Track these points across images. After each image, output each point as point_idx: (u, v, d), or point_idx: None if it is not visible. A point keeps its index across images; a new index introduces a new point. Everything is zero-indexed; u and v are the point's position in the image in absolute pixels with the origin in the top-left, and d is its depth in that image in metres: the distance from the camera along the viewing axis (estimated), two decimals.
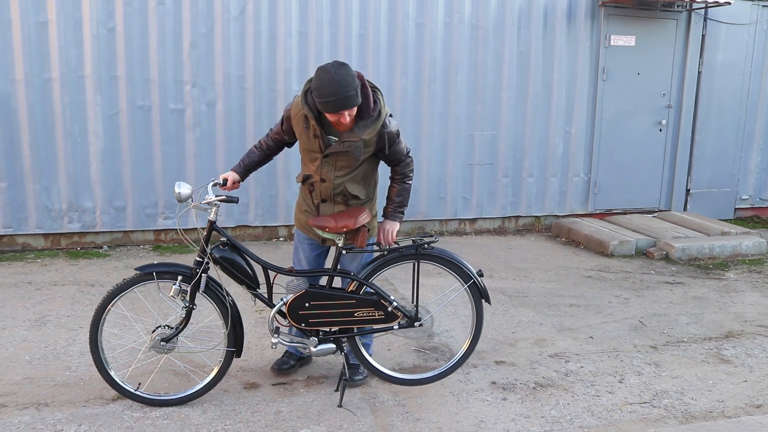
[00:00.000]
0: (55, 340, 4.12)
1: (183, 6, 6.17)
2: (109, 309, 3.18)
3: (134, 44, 6.15)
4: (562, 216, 7.57)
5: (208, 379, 3.32)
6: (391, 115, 3.29)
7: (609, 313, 4.85)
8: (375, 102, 3.20)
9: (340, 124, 3.12)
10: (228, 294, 3.30)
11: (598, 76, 7.38)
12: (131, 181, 6.34)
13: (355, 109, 3.10)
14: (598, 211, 7.71)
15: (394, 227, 3.45)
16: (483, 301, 3.50)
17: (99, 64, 6.11)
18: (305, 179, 3.39)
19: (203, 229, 3.23)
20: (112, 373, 3.25)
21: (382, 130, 3.21)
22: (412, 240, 3.40)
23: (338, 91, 2.95)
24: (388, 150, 3.28)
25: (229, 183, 3.41)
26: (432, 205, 7.07)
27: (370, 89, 3.18)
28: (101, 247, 6.41)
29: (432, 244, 3.41)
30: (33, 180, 6.16)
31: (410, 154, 3.44)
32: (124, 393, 3.27)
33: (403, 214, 3.50)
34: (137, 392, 3.26)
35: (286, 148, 3.54)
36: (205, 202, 3.14)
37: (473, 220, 7.27)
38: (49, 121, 6.10)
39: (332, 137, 3.23)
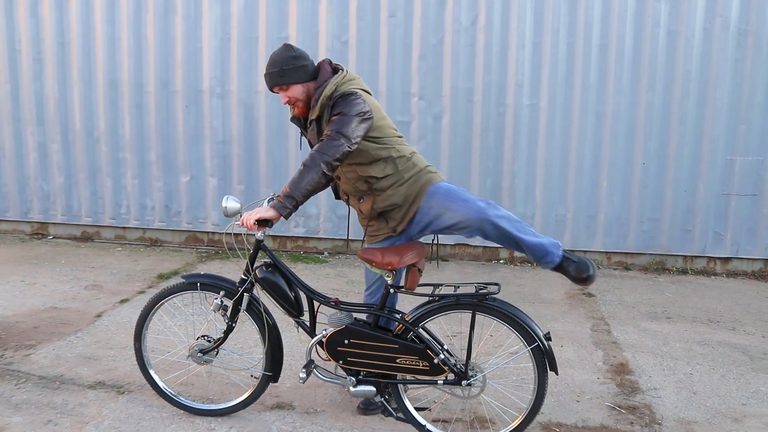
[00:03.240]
0: (244, 339, 4.65)
1: (414, 18, 6.62)
2: (155, 311, 3.51)
3: (365, 56, 6.74)
4: None
5: (239, 400, 3.54)
6: (357, 94, 3.14)
7: None
8: (328, 80, 3.22)
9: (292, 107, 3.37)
10: (269, 315, 3.41)
11: None
12: None
13: (293, 90, 3.25)
14: None
15: (262, 213, 3.00)
16: (549, 370, 3.17)
17: None
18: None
19: (250, 246, 3.41)
20: (152, 372, 3.63)
21: (330, 99, 3.18)
22: (475, 287, 3.16)
23: (267, 66, 3.30)
24: (329, 117, 3.16)
25: None
26: (675, 238, 6.72)
27: (330, 69, 3.27)
28: (322, 253, 7.17)
29: (495, 295, 3.17)
30: (267, 184, 7.10)
31: (344, 137, 3.04)
32: (161, 395, 3.64)
33: (287, 205, 3.01)
34: (176, 397, 3.63)
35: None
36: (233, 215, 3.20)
37: (726, 260, 6.77)
38: (283, 131, 6.97)
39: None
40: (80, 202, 7.57)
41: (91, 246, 7.47)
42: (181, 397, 3.70)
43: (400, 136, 3.37)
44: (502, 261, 6.93)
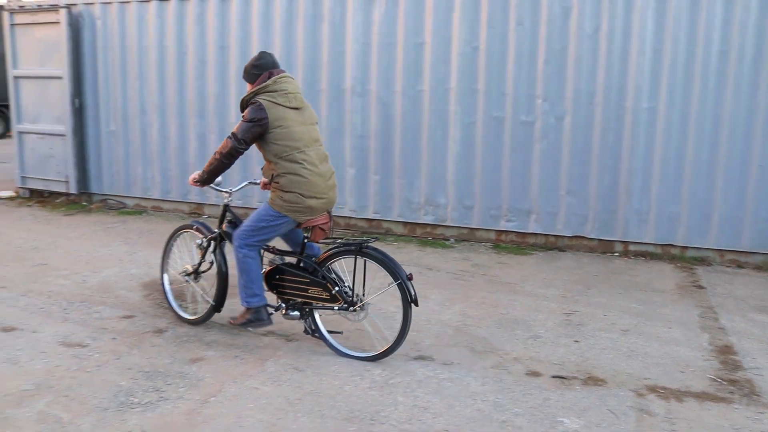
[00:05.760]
0: (387, 306, 5.49)
1: (540, 26, 7.21)
2: (172, 243, 5.19)
3: (493, 61, 7.42)
4: None
5: (193, 317, 5.09)
6: (260, 104, 4.26)
7: None
8: (257, 91, 4.33)
9: None
10: (225, 263, 4.83)
11: None
12: (480, 184, 7.69)
13: (248, 87, 4.48)
14: None
15: (195, 177, 4.64)
16: (410, 302, 4.25)
17: (462, 79, 7.54)
18: None
19: (222, 208, 4.88)
20: (165, 277, 5.31)
21: (246, 103, 4.38)
22: (363, 238, 4.40)
23: None
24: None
25: (261, 183, 4.68)
26: None
27: (265, 78, 4.36)
28: (448, 240, 7.92)
29: (371, 244, 4.36)
30: (400, 175, 7.93)
31: (231, 137, 4.32)
32: (169, 303, 5.28)
33: (205, 174, 4.53)
34: (177, 308, 5.23)
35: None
36: (213, 185, 4.75)
37: None
38: (417, 127, 7.78)
39: None
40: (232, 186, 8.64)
41: None
42: (179, 308, 5.28)
43: (298, 149, 4.35)
44: (616, 254, 7.45)
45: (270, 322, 4.58)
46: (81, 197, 9.93)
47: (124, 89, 9.37)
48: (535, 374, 4.39)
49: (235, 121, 8.54)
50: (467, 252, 7.40)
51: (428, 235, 7.97)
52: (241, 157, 4.49)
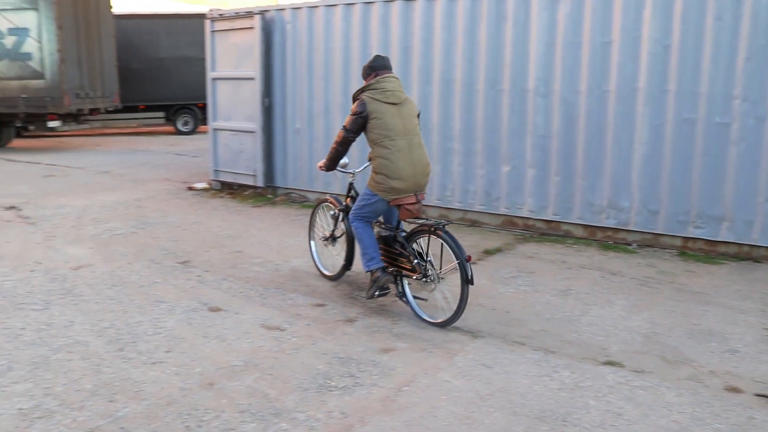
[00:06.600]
0: (571, 309, 5.52)
1: (742, 20, 6.77)
2: (316, 212, 6.38)
3: (687, 60, 7.07)
4: None
5: (331, 274, 6.21)
6: (362, 100, 5.12)
7: None
8: (363, 88, 5.20)
9: None
10: (351, 231, 5.62)
11: None
12: (667, 188, 7.37)
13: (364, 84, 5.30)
14: None
15: (320, 164, 5.68)
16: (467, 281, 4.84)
17: (651, 79, 7.27)
18: None
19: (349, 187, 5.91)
20: (312, 243, 6.51)
21: (354, 98, 5.25)
22: (439, 221, 5.07)
23: None
24: None
25: None
26: None
27: (372, 77, 5.21)
28: (630, 244, 7.68)
29: (445, 227, 4.98)
30: (581, 177, 7.78)
31: (343, 128, 5.24)
32: (314, 262, 6.49)
33: (328, 161, 5.55)
34: (320, 266, 6.40)
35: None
36: (341, 168, 5.75)
37: None
38: (601, 128, 7.59)
39: None
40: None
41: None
42: (321, 266, 6.43)
43: (389, 137, 5.10)
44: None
45: (389, 277, 5.29)
46: (266, 190, 10.60)
47: (310, 89, 9.90)
48: (735, 390, 4.21)
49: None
50: (651, 258, 7.16)
51: (609, 239, 7.78)
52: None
